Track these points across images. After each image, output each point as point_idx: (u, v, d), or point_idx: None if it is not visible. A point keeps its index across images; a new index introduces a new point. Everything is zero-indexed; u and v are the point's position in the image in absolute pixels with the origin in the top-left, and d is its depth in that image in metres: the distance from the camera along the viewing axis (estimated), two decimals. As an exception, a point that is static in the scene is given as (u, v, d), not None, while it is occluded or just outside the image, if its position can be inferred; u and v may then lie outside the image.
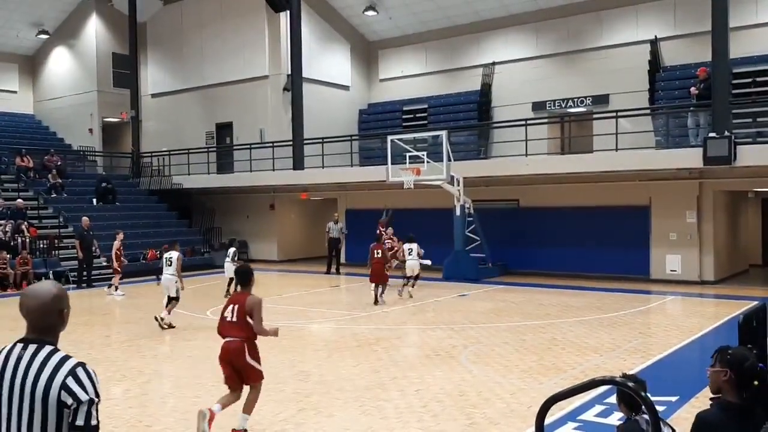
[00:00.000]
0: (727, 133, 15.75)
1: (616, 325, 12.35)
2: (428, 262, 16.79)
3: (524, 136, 19.28)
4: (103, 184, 24.82)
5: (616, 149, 17.85)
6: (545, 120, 23.29)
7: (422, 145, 20.64)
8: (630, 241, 19.04)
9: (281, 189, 25.60)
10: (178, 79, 28.75)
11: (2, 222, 20.10)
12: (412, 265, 16.37)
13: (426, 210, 21.32)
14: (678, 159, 17.04)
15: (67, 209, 22.80)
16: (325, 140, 23.48)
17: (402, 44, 27.62)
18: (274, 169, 24.22)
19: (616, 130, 18.03)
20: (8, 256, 18.87)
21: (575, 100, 23.13)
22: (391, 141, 19.52)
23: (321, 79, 26.41)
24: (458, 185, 19.14)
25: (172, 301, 12.81)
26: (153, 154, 28.23)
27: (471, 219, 19.75)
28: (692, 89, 17.84)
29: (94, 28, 29.65)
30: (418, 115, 26.28)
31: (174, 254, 12.99)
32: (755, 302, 4.49)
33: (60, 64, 31.27)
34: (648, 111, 20.32)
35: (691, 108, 18.06)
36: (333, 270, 22.17)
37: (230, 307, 6.64)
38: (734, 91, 18.37)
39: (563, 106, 23.44)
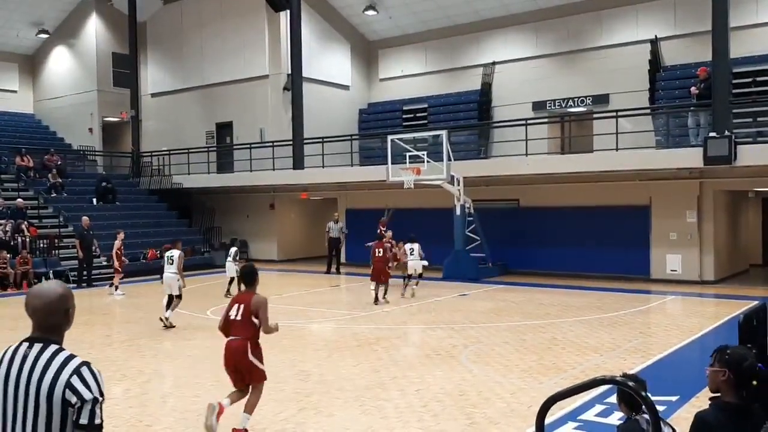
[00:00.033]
0: (727, 133, 15.74)
1: (617, 324, 12.35)
2: (425, 263, 16.83)
3: (524, 136, 19.27)
4: (103, 184, 24.82)
5: (617, 149, 17.85)
6: (545, 120, 23.30)
7: (422, 145, 20.65)
8: (630, 240, 19.04)
9: (281, 188, 25.60)
10: (178, 79, 28.75)
11: (2, 221, 20.10)
12: (414, 265, 16.39)
13: (426, 210, 21.32)
14: (678, 159, 17.04)
15: (67, 209, 22.81)
16: (325, 140, 23.48)
17: (402, 44, 27.62)
18: (274, 169, 24.22)
19: (617, 130, 18.03)
20: (8, 255, 18.87)
21: (575, 99, 23.13)
22: (391, 141, 19.52)
23: (321, 78, 26.41)
24: (458, 185, 19.14)
25: (175, 299, 12.82)
26: (153, 153, 28.23)
27: (471, 219, 19.75)
28: (692, 89, 17.83)
29: (94, 28, 29.65)
30: (418, 115, 26.27)
31: (176, 252, 13.01)
32: (755, 302, 4.49)
33: (60, 63, 31.27)
34: (648, 111, 20.31)
35: (692, 108, 18.05)
36: (333, 270, 22.17)
37: (235, 306, 6.66)
38: (734, 91, 18.35)
39: (563, 105, 23.44)
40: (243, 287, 7.02)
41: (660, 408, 5.49)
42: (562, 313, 13.77)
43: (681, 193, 18.37)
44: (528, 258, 20.56)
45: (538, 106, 23.77)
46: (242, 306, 6.61)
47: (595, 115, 21.41)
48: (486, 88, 25.05)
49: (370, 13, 26.49)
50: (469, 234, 19.77)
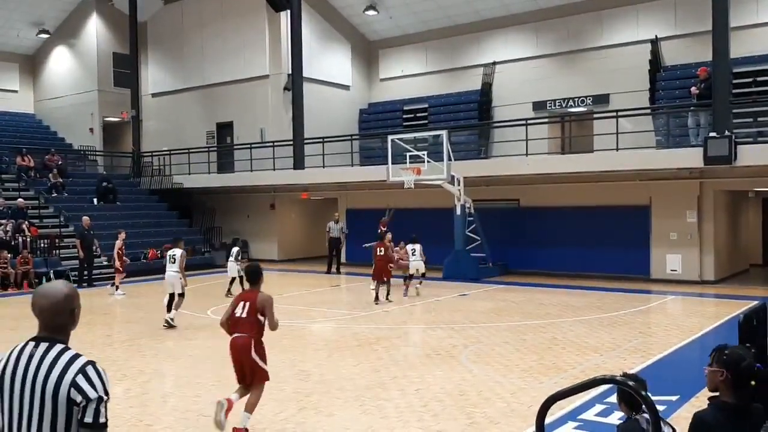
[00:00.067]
0: (727, 133, 15.74)
1: (617, 324, 12.35)
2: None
3: (525, 136, 19.27)
4: (104, 184, 24.84)
5: (617, 149, 17.86)
6: (546, 120, 23.30)
7: (423, 145, 20.65)
8: (630, 240, 19.05)
9: (282, 188, 25.61)
10: (179, 79, 28.76)
11: (3, 221, 20.11)
12: (416, 265, 16.43)
13: (426, 210, 21.32)
14: (678, 159, 17.04)
15: (67, 209, 22.83)
16: (325, 140, 23.48)
17: (402, 44, 27.62)
18: (274, 169, 24.23)
19: (617, 130, 18.04)
20: (9, 255, 18.88)
21: (576, 99, 23.13)
22: (392, 140, 19.53)
23: (321, 78, 26.41)
24: (458, 185, 19.15)
25: (178, 297, 12.84)
26: (153, 153, 28.25)
27: (471, 219, 19.76)
28: (693, 89, 17.84)
29: (94, 28, 29.66)
30: (418, 115, 26.27)
31: (177, 251, 13.04)
32: (755, 302, 4.50)
33: (60, 63, 31.29)
34: (648, 111, 20.31)
35: (692, 108, 18.05)
36: (333, 269, 22.18)
37: (240, 304, 6.72)
38: (735, 91, 18.35)
39: (564, 105, 23.44)
40: (247, 285, 7.06)
41: (660, 407, 5.50)
42: (562, 313, 13.78)
43: (681, 193, 18.37)
44: (528, 258, 20.57)
45: (538, 106, 23.77)
46: (248, 303, 6.68)
47: (596, 115, 21.41)
48: (486, 88, 25.05)
49: (371, 13, 26.49)
50: (469, 234, 19.78)
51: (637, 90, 21.18)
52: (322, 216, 25.76)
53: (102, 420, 2.67)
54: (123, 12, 28.63)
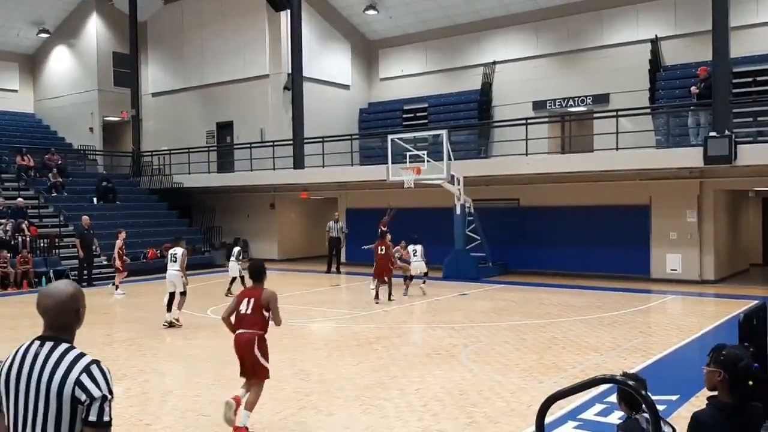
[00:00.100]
0: (727, 133, 15.74)
1: (617, 324, 12.35)
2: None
3: (524, 136, 19.27)
4: (104, 183, 24.83)
5: (617, 148, 17.85)
6: (546, 119, 23.29)
7: (422, 145, 20.65)
8: (630, 240, 19.05)
9: (281, 188, 25.61)
10: (179, 78, 28.75)
11: (3, 221, 20.10)
12: (418, 266, 16.45)
13: (426, 209, 21.32)
14: (678, 158, 17.04)
15: (67, 208, 22.82)
16: (325, 139, 23.48)
17: (402, 43, 27.62)
18: (274, 169, 24.23)
19: (617, 130, 18.04)
20: (9, 255, 18.87)
21: (576, 99, 23.12)
22: (392, 140, 19.53)
23: (321, 78, 26.40)
24: (458, 184, 19.15)
25: (180, 296, 12.87)
26: (153, 153, 28.24)
27: (471, 218, 19.76)
28: (693, 88, 17.83)
29: (94, 27, 29.66)
30: (418, 114, 26.27)
31: (179, 250, 13.05)
32: (755, 301, 4.49)
33: (60, 63, 31.28)
34: (648, 110, 20.31)
35: (692, 107, 18.05)
36: (333, 269, 22.19)
37: (245, 300, 6.78)
38: (735, 91, 18.35)
39: (564, 105, 23.44)
40: (249, 283, 7.09)
41: (660, 407, 5.49)
42: (562, 312, 13.78)
43: (681, 192, 18.37)
44: (528, 257, 20.57)
45: (538, 105, 23.77)
46: (252, 300, 6.74)
47: (596, 115, 21.41)
48: (486, 88, 25.05)
49: (371, 12, 26.49)
50: (469, 233, 19.78)
51: (637, 90, 21.18)
52: (322, 216, 25.76)
53: (106, 419, 2.68)
54: (123, 11, 28.63)
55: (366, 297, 16.04)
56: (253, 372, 6.70)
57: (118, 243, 17.68)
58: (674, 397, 7.47)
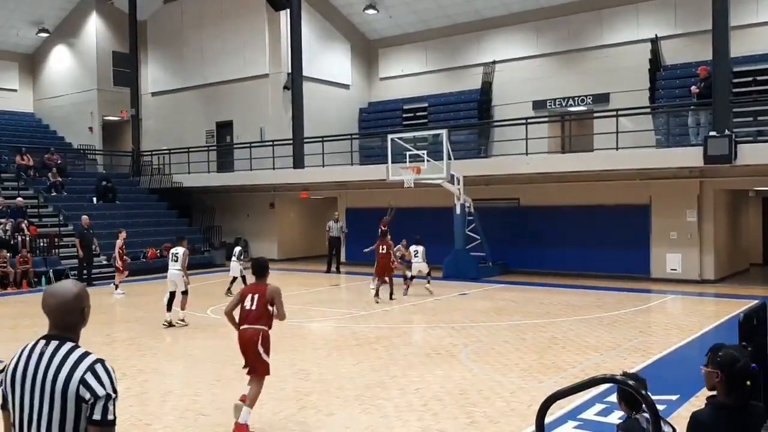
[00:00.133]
0: (727, 132, 15.73)
1: (617, 323, 12.35)
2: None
3: (524, 135, 19.25)
4: (103, 183, 24.82)
5: (617, 148, 17.85)
6: (546, 119, 23.28)
7: (422, 144, 20.62)
8: (630, 240, 19.04)
9: (281, 188, 25.60)
10: (179, 78, 28.74)
11: (2, 220, 20.09)
12: (419, 266, 16.45)
13: (426, 209, 21.31)
14: (678, 158, 17.03)
15: (67, 208, 22.81)
16: (325, 139, 23.47)
17: (402, 43, 27.61)
18: (274, 168, 24.22)
19: (617, 129, 18.03)
20: (8, 254, 18.86)
21: (576, 98, 23.12)
22: (392, 140, 19.52)
23: (321, 77, 26.39)
24: (458, 184, 19.14)
25: (182, 296, 12.88)
26: (153, 152, 28.23)
27: (471, 218, 19.75)
28: (693, 88, 17.83)
29: (94, 27, 29.65)
30: (418, 114, 26.26)
31: (180, 250, 13.06)
32: (756, 301, 4.49)
33: (60, 62, 31.27)
34: (648, 110, 20.31)
35: (692, 107, 18.05)
36: (333, 269, 22.18)
37: (249, 296, 6.82)
38: (735, 90, 18.35)
39: (564, 104, 23.43)
40: (255, 279, 7.11)
41: (660, 407, 5.49)
42: (562, 312, 13.77)
43: (681, 192, 18.36)
44: (528, 257, 20.56)
45: (538, 105, 23.77)
46: (257, 295, 6.78)
47: (596, 114, 21.41)
48: (486, 87, 25.04)
49: (371, 12, 26.48)
50: (469, 233, 19.77)
51: (637, 89, 21.17)
52: (322, 215, 25.76)
53: (110, 417, 2.70)
54: (123, 11, 28.62)
55: (366, 297, 16.04)
56: (254, 368, 6.75)
57: (119, 243, 17.68)
58: (674, 397, 7.47)
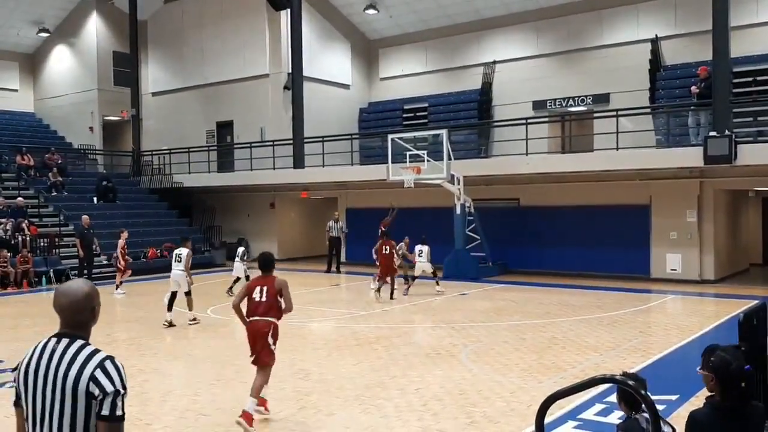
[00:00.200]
0: (727, 132, 15.73)
1: (617, 323, 12.35)
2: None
3: (525, 135, 19.26)
4: (104, 183, 24.82)
5: (617, 148, 17.85)
6: (546, 119, 23.29)
7: (422, 144, 20.63)
8: (630, 240, 19.04)
9: (282, 188, 25.60)
10: (179, 78, 28.75)
11: (3, 220, 20.10)
12: (422, 266, 16.45)
13: (426, 209, 21.32)
14: (678, 158, 17.03)
15: (67, 207, 22.82)
16: (325, 139, 23.48)
17: (402, 43, 27.62)
18: (274, 168, 24.22)
19: (617, 129, 18.03)
20: (9, 254, 18.87)
21: (576, 99, 23.12)
22: (392, 140, 19.52)
23: (321, 77, 26.40)
24: (458, 184, 19.14)
25: (186, 297, 12.91)
26: (153, 152, 28.24)
27: (471, 218, 19.75)
28: (693, 88, 17.84)
29: (94, 27, 29.66)
30: (418, 114, 26.27)
31: (184, 251, 13.09)
32: (755, 301, 4.50)
33: (60, 62, 31.28)
34: (648, 110, 20.31)
35: (692, 107, 18.06)
36: (333, 269, 22.19)
37: (258, 288, 6.93)
38: (735, 90, 18.36)
39: (564, 105, 23.43)
40: (261, 273, 7.18)
41: (660, 407, 5.49)
42: (561, 312, 13.77)
43: (681, 192, 18.37)
44: (528, 257, 20.57)
45: (538, 105, 23.77)
46: (266, 287, 6.89)
47: (596, 115, 21.41)
48: (486, 87, 25.05)
49: (371, 12, 26.49)
50: (469, 233, 19.77)
51: (637, 89, 21.18)
52: (322, 215, 25.77)
53: (119, 413, 2.76)
54: (123, 11, 28.62)
55: (366, 297, 16.04)
56: (259, 358, 6.88)
57: (121, 242, 17.70)
58: (674, 397, 7.47)
